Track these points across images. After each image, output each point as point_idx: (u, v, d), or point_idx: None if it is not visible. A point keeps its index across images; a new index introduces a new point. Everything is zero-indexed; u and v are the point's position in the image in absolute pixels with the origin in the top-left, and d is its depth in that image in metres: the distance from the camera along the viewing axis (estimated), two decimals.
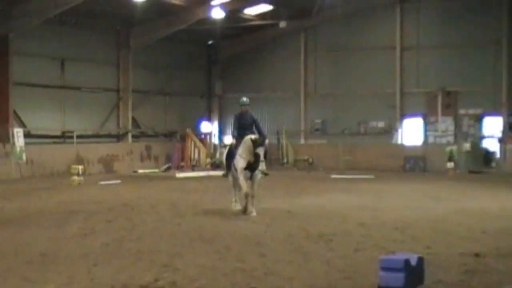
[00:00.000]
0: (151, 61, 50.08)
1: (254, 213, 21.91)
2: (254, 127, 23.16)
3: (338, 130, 51.24)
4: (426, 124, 49.03)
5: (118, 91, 48.65)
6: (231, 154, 23.07)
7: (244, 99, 23.65)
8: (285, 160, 49.34)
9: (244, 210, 22.23)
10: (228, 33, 51.94)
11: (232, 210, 22.77)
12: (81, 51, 45.79)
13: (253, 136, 22.22)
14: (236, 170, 22.50)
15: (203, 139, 51.73)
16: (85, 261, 14.35)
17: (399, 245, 15.91)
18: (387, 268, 9.26)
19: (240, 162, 22.21)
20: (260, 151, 21.95)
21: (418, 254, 9.82)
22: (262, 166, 22.24)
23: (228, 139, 51.85)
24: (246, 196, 22.11)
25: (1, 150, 39.69)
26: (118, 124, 48.77)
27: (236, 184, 23.19)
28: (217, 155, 50.49)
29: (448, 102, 47.75)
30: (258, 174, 22.58)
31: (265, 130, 25.80)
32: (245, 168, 22.23)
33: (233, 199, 23.51)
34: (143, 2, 41.29)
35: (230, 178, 23.58)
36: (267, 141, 22.94)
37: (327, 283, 12.15)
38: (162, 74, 51.40)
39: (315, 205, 25.22)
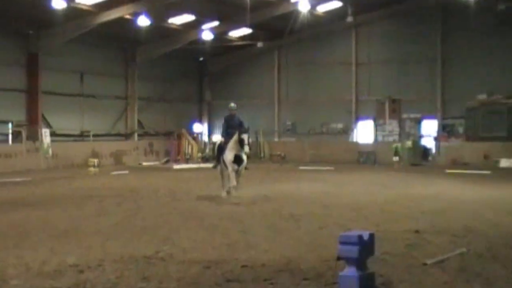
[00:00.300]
0: (153, 74, 49.94)
1: (232, 199, 21.43)
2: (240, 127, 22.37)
3: (305, 130, 51.39)
4: (376, 125, 49.17)
5: (126, 98, 48.56)
6: (220, 149, 22.46)
7: (232, 104, 23.30)
8: (262, 155, 49.28)
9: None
10: (216, 51, 51.91)
11: (221, 196, 21.98)
12: (96, 66, 45.72)
13: (245, 137, 21.52)
14: (225, 163, 21.88)
15: (195, 137, 51.68)
16: (99, 236, 14.32)
17: (354, 223, 15.91)
18: (345, 242, 9.25)
19: (229, 155, 21.60)
20: (245, 136, 21.34)
21: (369, 231, 9.80)
22: (246, 148, 21.39)
23: (217, 137, 52.12)
24: (234, 187, 21.70)
25: (32, 146, 39.66)
26: (126, 125, 48.66)
27: (224, 175, 22.62)
28: (207, 150, 50.43)
29: (393, 108, 47.93)
30: (242, 169, 21.99)
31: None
32: (233, 161, 21.56)
33: (222, 187, 22.67)
34: (147, 26, 41.18)
35: (218, 168, 22.93)
36: (250, 140, 21.99)
37: (296, 255, 12.14)
38: (162, 85, 51.29)
39: (286, 191, 25.20)
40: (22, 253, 12.25)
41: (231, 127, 22.35)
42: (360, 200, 21.71)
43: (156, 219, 17.31)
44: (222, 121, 23.53)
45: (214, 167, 23.68)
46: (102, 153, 43.88)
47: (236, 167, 21.65)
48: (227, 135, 22.40)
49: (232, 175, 21.65)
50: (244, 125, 22.62)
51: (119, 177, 33.79)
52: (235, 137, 21.58)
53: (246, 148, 21.43)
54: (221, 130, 24.24)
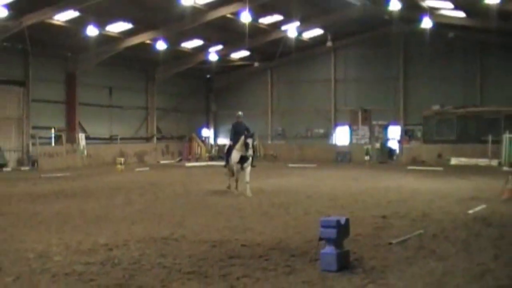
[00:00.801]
0: (169, 89, 49.82)
1: (250, 194, 20.05)
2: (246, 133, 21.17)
3: (293, 134, 51.41)
4: (351, 130, 49.24)
5: (147, 109, 48.46)
6: (229, 151, 21.45)
7: (240, 113, 22.08)
8: (257, 155, 49.26)
9: (242, 191, 20.51)
10: (220, 70, 51.86)
11: (227, 190, 21.27)
12: (123, 82, 45.69)
13: (250, 141, 20.59)
14: (232, 163, 21.07)
15: (203, 140, 51.69)
16: (125, 221, 14.35)
17: (333, 210, 15.94)
18: (325, 225, 9.27)
19: (234, 156, 20.69)
20: (250, 141, 20.39)
21: (345, 216, 9.84)
22: (250, 151, 20.45)
23: (223, 141, 52.09)
24: (237, 181, 21.08)
25: (70, 148, 39.76)
26: (147, 130, 48.58)
27: (231, 173, 21.54)
28: (213, 151, 50.47)
29: (365, 116, 48.06)
30: (248, 167, 20.60)
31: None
32: (238, 162, 20.57)
33: (228, 184, 21.68)
34: (163, 49, 41.28)
35: (227, 168, 21.74)
36: (256, 142, 21.18)
37: (285, 236, 12.17)
38: (176, 98, 51.15)
39: (277, 184, 25.20)
40: (63, 235, 12.30)
41: (238, 133, 21.18)
42: (337, 192, 21.74)
43: (171, 207, 17.35)
44: (230, 127, 22.36)
45: (224, 166, 22.31)
46: (128, 153, 43.88)
47: (239, 165, 20.63)
48: (234, 139, 21.22)
49: (236, 173, 20.99)
50: (250, 130, 21.54)
51: (142, 173, 33.78)
52: (242, 140, 20.55)
53: (250, 151, 20.46)
54: (229, 134, 22.50)
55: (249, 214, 15.74)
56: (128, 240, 11.69)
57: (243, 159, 20.59)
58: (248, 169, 20.72)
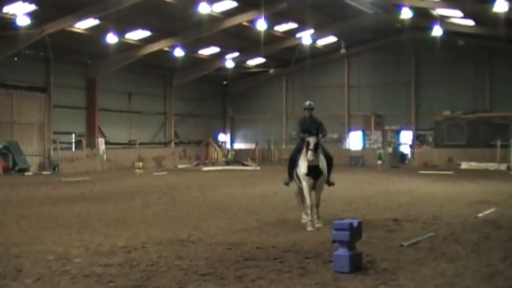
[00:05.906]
0: (186, 95, 50.03)
1: (319, 224, 13.65)
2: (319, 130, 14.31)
3: None
4: (364, 135, 49.20)
5: (165, 114, 48.64)
6: (293, 161, 14.41)
7: (307, 102, 14.78)
8: (272, 159, 49.28)
9: (311, 221, 13.54)
10: (236, 76, 51.97)
11: (301, 223, 14.10)
12: (141, 88, 45.92)
13: (311, 140, 13.61)
14: (298, 178, 14.08)
15: (220, 145, 51.75)
16: (143, 224, 14.36)
17: (346, 213, 15.88)
18: (339, 228, 9.24)
19: (302, 167, 13.80)
20: (310, 140, 13.61)
21: (358, 219, 9.82)
22: (309, 154, 13.47)
23: (239, 145, 52.01)
24: (310, 208, 13.62)
25: (90, 152, 40.00)
26: (165, 135, 48.75)
27: (300, 194, 14.50)
28: (229, 155, 50.51)
29: (377, 121, 48.12)
30: (322, 183, 14.09)
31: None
32: (306, 174, 13.70)
33: (300, 209, 14.74)
34: (181, 56, 41.52)
35: (294, 187, 14.87)
36: (323, 143, 14.70)
37: (300, 238, 12.13)
38: (193, 103, 51.29)
39: (291, 188, 25.14)
40: (83, 237, 12.33)
41: (307, 131, 14.11)
42: (350, 195, 21.65)
43: (189, 210, 17.33)
44: (297, 123, 15.17)
45: (286, 184, 15.36)
46: (146, 158, 44.07)
47: (311, 181, 13.74)
48: (301, 141, 14.37)
49: (306, 193, 13.79)
50: (323, 126, 14.68)
51: (160, 177, 33.84)
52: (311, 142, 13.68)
53: (309, 155, 13.47)
54: (295, 136, 15.97)
55: (264, 216, 15.70)
56: (146, 243, 11.69)
57: (314, 171, 13.80)
58: (321, 187, 14.27)
